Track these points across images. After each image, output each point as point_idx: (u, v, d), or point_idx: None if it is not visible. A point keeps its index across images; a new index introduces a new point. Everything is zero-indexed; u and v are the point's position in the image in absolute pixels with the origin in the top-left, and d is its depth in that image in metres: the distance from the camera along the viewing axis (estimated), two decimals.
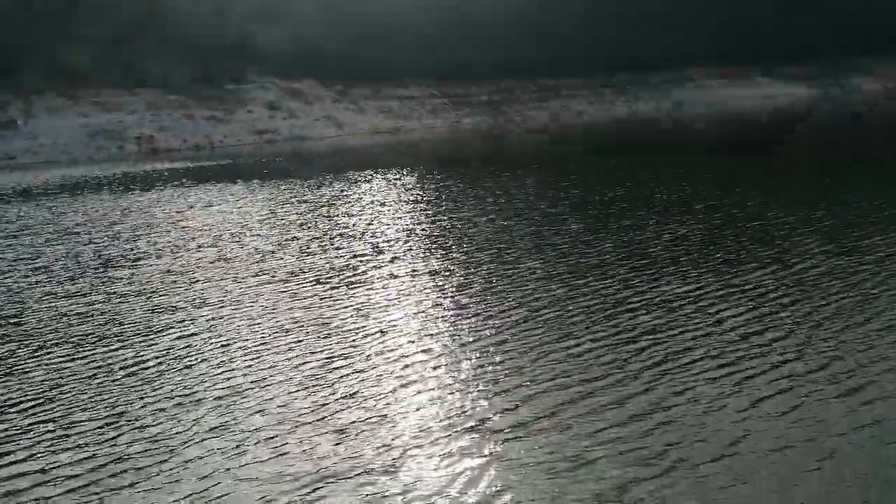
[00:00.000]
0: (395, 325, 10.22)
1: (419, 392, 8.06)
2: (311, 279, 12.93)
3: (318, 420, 7.52)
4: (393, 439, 7.02)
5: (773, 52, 77.86)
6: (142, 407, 8.13)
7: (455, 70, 65.32)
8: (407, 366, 8.78)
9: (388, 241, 15.73)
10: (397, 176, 27.81)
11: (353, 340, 9.72)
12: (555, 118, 63.52)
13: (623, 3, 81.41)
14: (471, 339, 9.47)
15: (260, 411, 7.82)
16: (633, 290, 11.04)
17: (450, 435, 7.02)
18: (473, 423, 7.22)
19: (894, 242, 12.74)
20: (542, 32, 73.87)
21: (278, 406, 7.91)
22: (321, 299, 11.66)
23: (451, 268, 13.09)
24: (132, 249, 16.58)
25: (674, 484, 6.00)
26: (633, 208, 17.71)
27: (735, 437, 6.64)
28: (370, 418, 7.48)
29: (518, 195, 21.03)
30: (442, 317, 10.47)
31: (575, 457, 6.48)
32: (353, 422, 7.42)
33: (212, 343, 9.98)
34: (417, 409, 7.64)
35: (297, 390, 8.29)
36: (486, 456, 6.61)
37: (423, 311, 10.76)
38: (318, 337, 9.94)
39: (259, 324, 10.64)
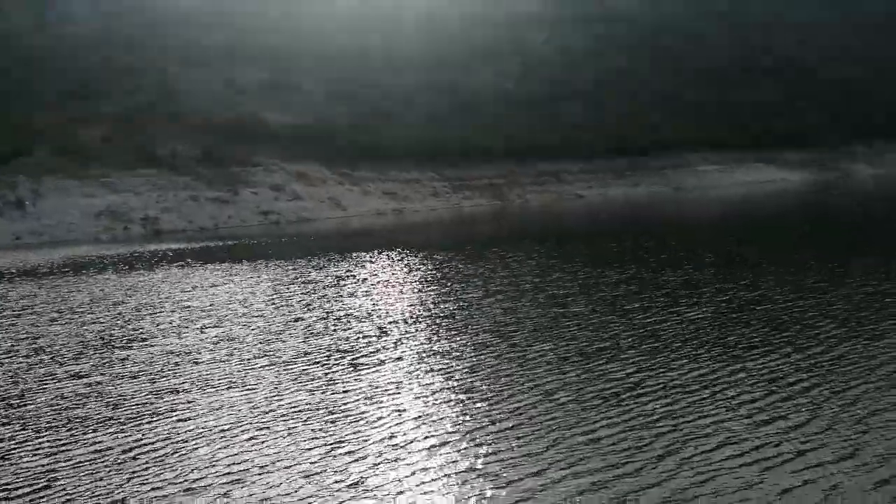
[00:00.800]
0: (402, 410, 9.96)
1: (427, 480, 7.77)
2: (317, 361, 12.71)
3: None
4: None
5: (771, 139, 79.23)
6: (141, 493, 7.83)
7: (458, 152, 66.35)
8: (414, 451, 8.50)
9: (393, 322, 15.55)
10: (401, 256, 27.81)
11: (360, 425, 9.46)
12: (556, 200, 64.16)
13: (622, 85, 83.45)
14: (481, 425, 9.21)
15: (264, 499, 7.52)
16: (647, 374, 10.82)
17: None
18: None
19: None
20: (544, 115, 75.44)
21: (281, 494, 7.61)
22: (327, 382, 11.42)
23: (459, 350, 12.88)
24: (135, 329, 16.39)
25: None
26: (640, 290, 17.58)
27: None
28: None
29: (523, 275, 20.95)
30: (451, 400, 10.22)
31: None
32: None
33: (215, 427, 9.71)
34: (426, 496, 7.35)
35: (302, 477, 8.00)
36: None
37: (432, 395, 10.52)
38: (324, 422, 9.68)
39: (263, 407, 10.38)
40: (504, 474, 7.74)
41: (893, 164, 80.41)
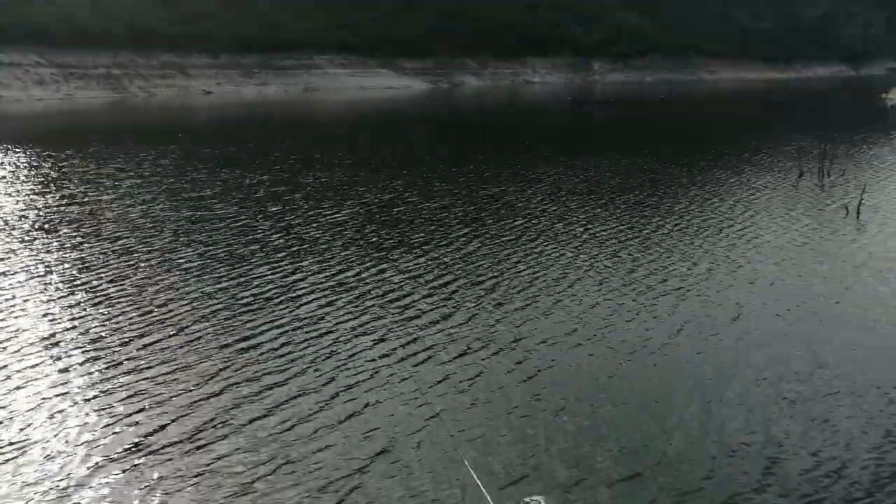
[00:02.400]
0: None
1: None
2: None
3: None
4: None
5: (392, 48, 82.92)
6: None
7: (67, 35, 58.48)
8: None
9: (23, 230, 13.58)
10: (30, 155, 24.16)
11: None
12: (182, 95, 60.48)
13: None
14: (130, 338, 8.59)
15: None
16: (298, 276, 10.95)
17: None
18: None
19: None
20: (172, 2, 69.70)
21: None
22: None
23: (96, 257, 11.72)
24: None
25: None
26: (282, 192, 17.56)
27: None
28: None
29: (154, 175, 19.58)
30: (91, 311, 9.33)
31: None
32: None
33: None
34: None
35: None
36: None
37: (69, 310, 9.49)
38: None
39: None
40: (152, 391, 7.36)
41: (497, 77, 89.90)
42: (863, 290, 10.99)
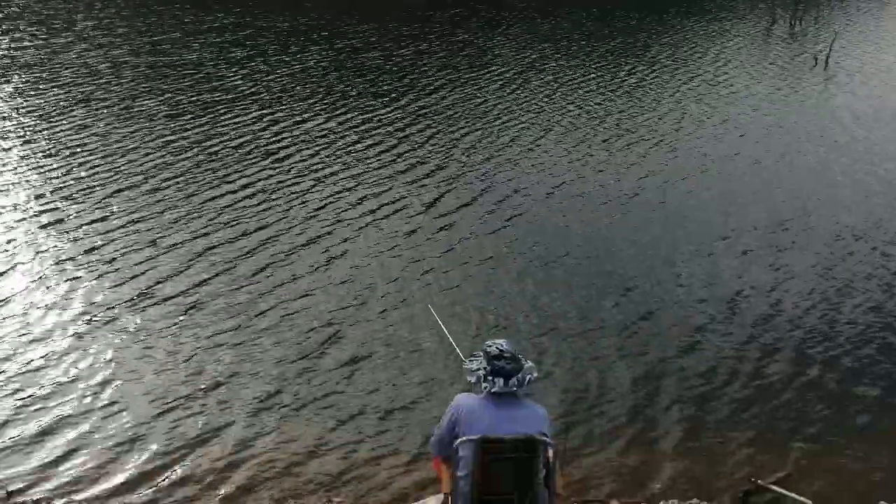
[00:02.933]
0: None
1: None
2: None
3: None
4: None
5: None
6: None
7: None
8: None
9: None
10: None
11: None
12: None
13: None
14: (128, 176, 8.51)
15: None
16: (281, 125, 10.78)
17: None
18: None
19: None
20: None
21: None
22: None
23: (46, 104, 11.37)
24: None
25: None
26: (247, 35, 16.90)
27: None
28: None
29: (109, 19, 18.66)
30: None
31: None
32: None
33: None
34: None
35: None
36: None
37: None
38: None
39: None
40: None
41: None
42: (830, 139, 11.16)
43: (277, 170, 9.20)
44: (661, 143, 10.61)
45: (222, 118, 11.01)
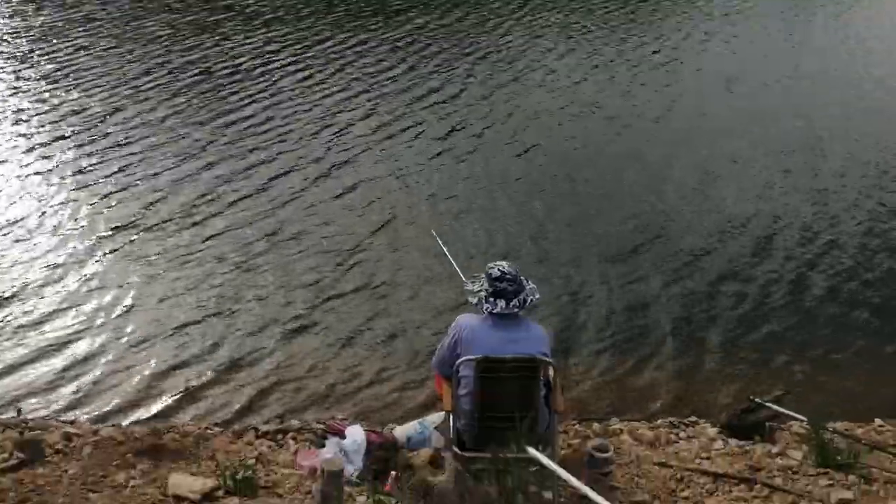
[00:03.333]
0: None
1: None
2: None
3: None
4: None
5: None
6: None
7: None
8: None
9: None
10: None
11: None
12: None
13: None
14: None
15: None
16: (280, 45, 10.61)
17: None
18: None
19: None
20: None
21: None
22: None
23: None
24: None
25: None
26: None
27: None
28: None
29: None
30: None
31: None
32: None
33: None
34: None
35: None
36: None
37: None
38: None
39: None
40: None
41: None
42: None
43: (286, 94, 9.08)
44: (685, 64, 10.44)
45: (232, 38, 10.82)
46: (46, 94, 8.82)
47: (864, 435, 4.12)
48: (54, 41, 10.51)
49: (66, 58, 9.91)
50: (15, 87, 9.03)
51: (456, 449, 3.27)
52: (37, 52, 10.13)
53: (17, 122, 8.14)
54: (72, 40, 10.57)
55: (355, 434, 3.72)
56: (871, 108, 9.34)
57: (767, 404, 4.32)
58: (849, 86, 9.97)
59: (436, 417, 3.84)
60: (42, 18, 11.54)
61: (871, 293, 5.83)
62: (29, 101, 8.64)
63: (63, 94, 8.82)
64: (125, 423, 4.23)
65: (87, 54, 10.06)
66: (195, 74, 9.53)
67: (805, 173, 7.65)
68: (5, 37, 10.74)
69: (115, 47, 10.37)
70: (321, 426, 3.99)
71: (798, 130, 8.56)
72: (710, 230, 6.59)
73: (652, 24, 12.27)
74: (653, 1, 13.61)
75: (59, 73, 9.44)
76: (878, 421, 4.41)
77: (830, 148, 8.19)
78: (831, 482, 3.50)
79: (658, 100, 9.27)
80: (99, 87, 9.03)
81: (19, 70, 9.54)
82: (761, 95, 9.55)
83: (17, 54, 10.07)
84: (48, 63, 9.75)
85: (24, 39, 10.64)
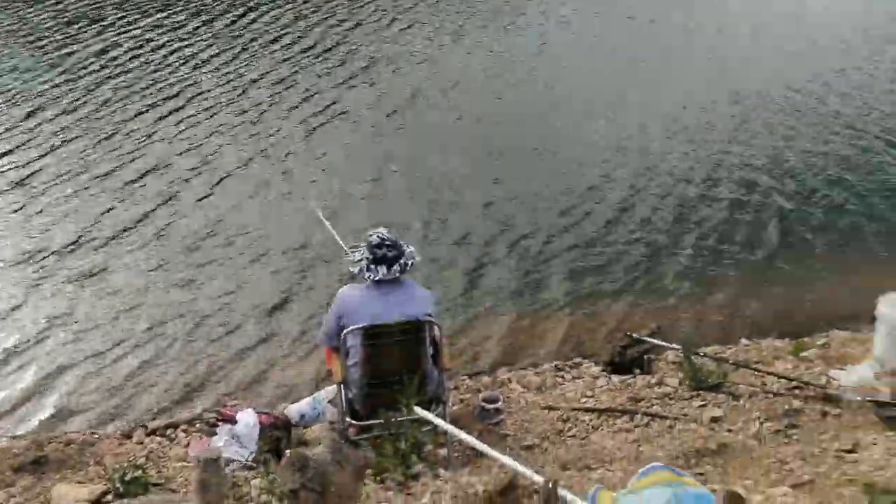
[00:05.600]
0: None
1: None
2: None
3: None
4: None
5: None
6: None
7: None
8: None
9: None
10: None
11: None
12: None
13: None
14: None
15: None
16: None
17: None
18: None
19: None
20: None
21: None
22: None
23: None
24: None
25: None
26: None
27: None
28: None
29: None
30: None
31: None
32: None
33: None
34: None
35: None
36: None
37: None
38: None
39: None
40: None
41: None
42: None
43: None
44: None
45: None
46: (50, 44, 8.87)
47: (731, 356, 4.41)
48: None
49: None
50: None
51: (349, 419, 3.30)
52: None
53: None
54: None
55: (247, 418, 3.67)
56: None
57: (645, 338, 4.55)
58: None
59: (328, 392, 3.85)
60: None
61: (731, 227, 6.10)
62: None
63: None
64: (1, 439, 4.02)
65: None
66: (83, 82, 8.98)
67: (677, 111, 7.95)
68: None
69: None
70: (212, 415, 3.91)
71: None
72: (585, 174, 6.78)
73: None
74: None
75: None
76: (743, 341, 4.74)
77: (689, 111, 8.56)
78: (704, 402, 3.75)
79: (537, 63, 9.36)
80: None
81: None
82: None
83: None
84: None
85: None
